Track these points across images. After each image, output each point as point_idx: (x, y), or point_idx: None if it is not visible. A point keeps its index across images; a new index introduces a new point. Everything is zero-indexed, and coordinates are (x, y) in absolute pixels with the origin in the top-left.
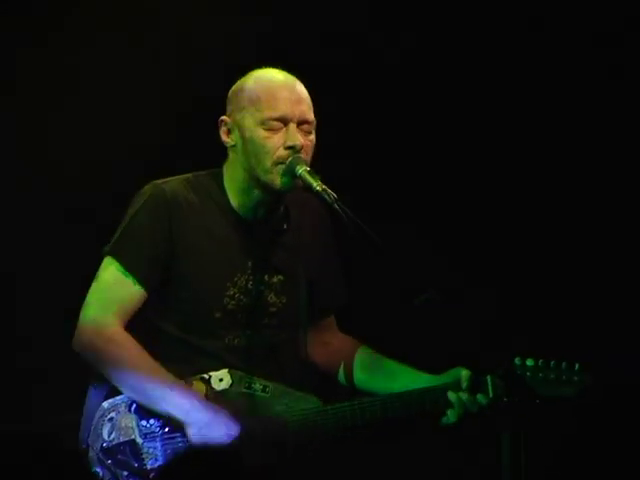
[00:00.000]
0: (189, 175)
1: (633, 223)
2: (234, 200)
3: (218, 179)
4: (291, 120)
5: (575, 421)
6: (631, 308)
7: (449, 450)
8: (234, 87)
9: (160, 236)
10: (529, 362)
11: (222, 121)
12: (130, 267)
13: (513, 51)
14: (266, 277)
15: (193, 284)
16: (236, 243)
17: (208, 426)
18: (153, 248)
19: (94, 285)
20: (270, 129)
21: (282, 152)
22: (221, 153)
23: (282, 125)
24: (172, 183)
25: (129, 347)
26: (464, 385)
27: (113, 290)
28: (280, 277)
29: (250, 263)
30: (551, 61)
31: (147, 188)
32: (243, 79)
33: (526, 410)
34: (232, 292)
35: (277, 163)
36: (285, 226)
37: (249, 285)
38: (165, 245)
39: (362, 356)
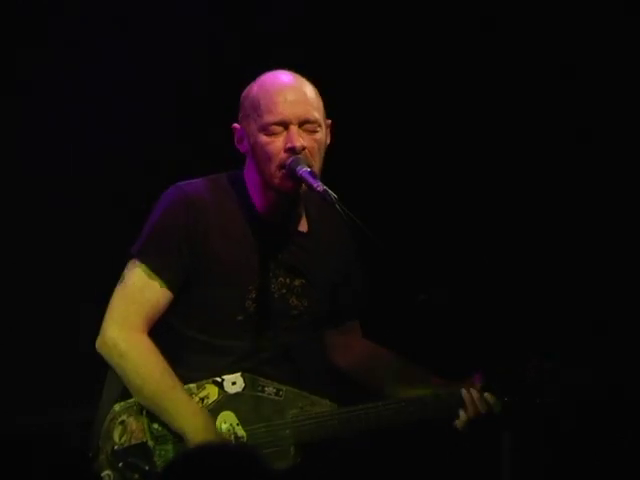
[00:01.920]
0: (212, 177)
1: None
2: (255, 202)
3: (239, 181)
4: (290, 122)
5: (575, 420)
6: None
7: (449, 450)
8: (243, 93)
9: (184, 238)
10: (545, 365)
11: (234, 128)
12: (156, 269)
13: (513, 51)
14: (288, 280)
15: (215, 286)
16: (258, 246)
17: None
18: (178, 250)
19: (120, 287)
20: (272, 134)
21: (283, 155)
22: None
23: (283, 129)
24: (195, 185)
25: (151, 358)
26: (477, 384)
27: (140, 292)
28: (302, 280)
29: (272, 266)
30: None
31: (170, 190)
32: (250, 85)
33: (526, 410)
34: (254, 295)
35: (281, 166)
36: (306, 229)
37: (271, 288)
38: (189, 247)
39: (384, 362)
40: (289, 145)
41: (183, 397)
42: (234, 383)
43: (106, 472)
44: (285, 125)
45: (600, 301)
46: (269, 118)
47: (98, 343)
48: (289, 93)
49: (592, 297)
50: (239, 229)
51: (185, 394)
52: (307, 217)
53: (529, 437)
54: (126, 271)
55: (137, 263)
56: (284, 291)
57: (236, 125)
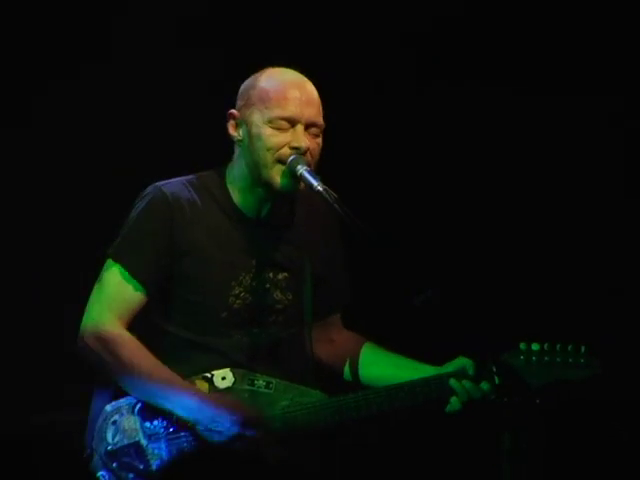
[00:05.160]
0: (190, 176)
1: (633, 216)
2: (237, 198)
3: (220, 178)
4: (299, 121)
5: (575, 420)
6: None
7: (449, 450)
8: (246, 82)
9: (162, 238)
10: (534, 346)
11: (231, 114)
12: (132, 270)
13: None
14: (271, 274)
15: (198, 285)
16: (240, 242)
17: (214, 421)
18: (155, 250)
19: (96, 287)
20: (278, 128)
21: (286, 151)
22: (223, 153)
23: (290, 126)
24: (173, 184)
25: (131, 347)
26: (468, 373)
27: (115, 292)
28: (285, 274)
29: (254, 261)
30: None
31: (148, 190)
32: (255, 75)
33: (526, 409)
34: (237, 291)
35: (278, 160)
36: (290, 223)
37: (254, 283)
38: (167, 247)
39: (367, 352)
40: (295, 144)
41: (168, 377)
42: (224, 378)
43: (101, 473)
44: (293, 123)
45: (599, 298)
46: (279, 112)
47: (78, 344)
48: (302, 92)
49: (591, 295)
50: (219, 226)
51: (170, 374)
52: (291, 211)
53: (529, 437)
54: (103, 271)
55: (113, 263)
56: (268, 285)
57: (233, 111)
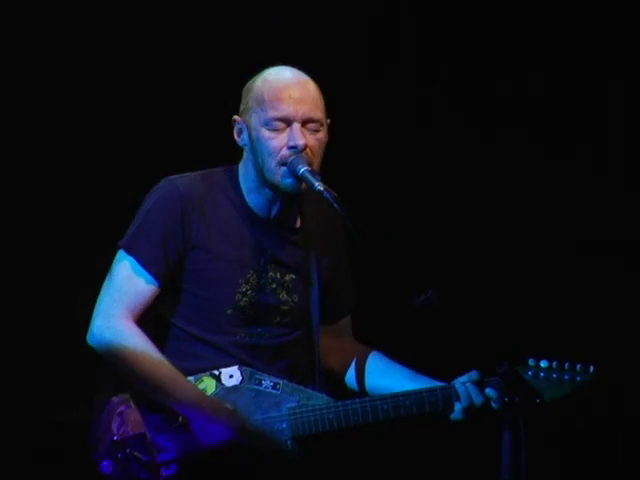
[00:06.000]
0: (204, 171)
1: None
2: (248, 197)
3: (233, 175)
4: (294, 120)
5: (575, 420)
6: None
7: (449, 450)
8: (245, 86)
9: (174, 231)
10: (543, 363)
11: (234, 120)
12: (143, 262)
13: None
14: (278, 275)
15: (205, 280)
16: (249, 240)
17: (211, 421)
18: (166, 243)
19: (107, 280)
20: (274, 129)
21: (285, 152)
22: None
23: (286, 125)
24: (186, 178)
25: (137, 341)
26: (473, 378)
27: (126, 285)
28: (292, 275)
29: (263, 260)
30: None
31: (161, 183)
32: (253, 79)
33: (527, 410)
34: (244, 289)
35: (281, 163)
36: (298, 224)
37: (261, 282)
38: (178, 240)
39: (374, 362)
40: (292, 143)
41: (171, 373)
42: (231, 376)
43: (105, 462)
44: (288, 122)
45: (599, 300)
46: (273, 113)
47: (88, 336)
48: (295, 90)
49: (590, 296)
50: (230, 223)
51: (173, 370)
52: (300, 213)
53: (529, 437)
54: (114, 264)
55: (125, 255)
56: (274, 286)
57: (236, 117)
